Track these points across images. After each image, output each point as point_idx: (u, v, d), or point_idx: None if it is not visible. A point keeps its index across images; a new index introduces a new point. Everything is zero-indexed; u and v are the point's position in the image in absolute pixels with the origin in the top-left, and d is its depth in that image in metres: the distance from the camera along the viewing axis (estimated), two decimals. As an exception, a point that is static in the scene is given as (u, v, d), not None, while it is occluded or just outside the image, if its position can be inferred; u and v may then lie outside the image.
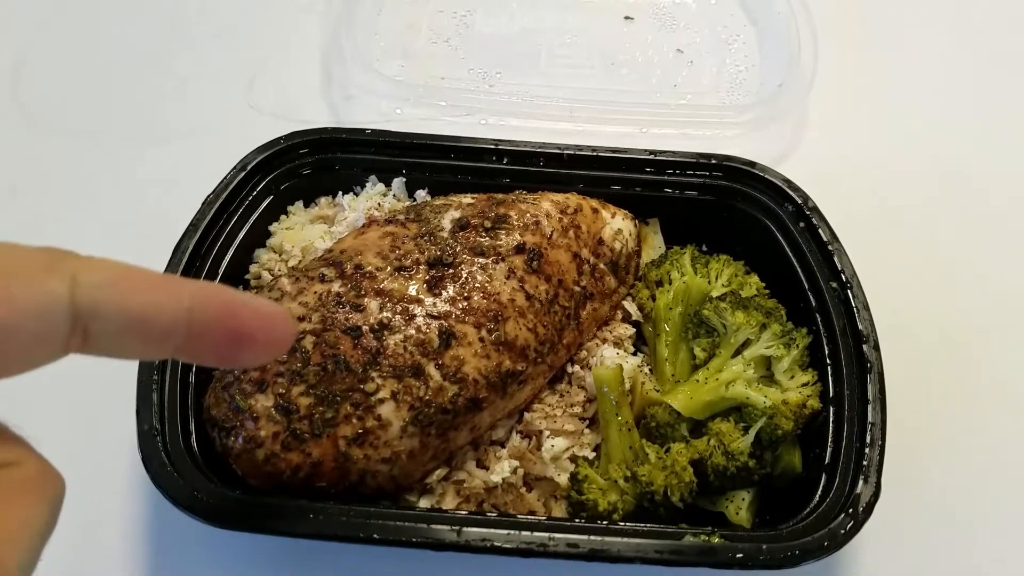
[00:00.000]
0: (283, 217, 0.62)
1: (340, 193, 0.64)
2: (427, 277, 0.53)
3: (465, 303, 0.53)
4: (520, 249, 0.55)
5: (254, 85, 0.80)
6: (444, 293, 0.53)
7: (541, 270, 0.56)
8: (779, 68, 0.79)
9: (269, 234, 0.61)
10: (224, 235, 0.58)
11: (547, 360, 0.55)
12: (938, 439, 0.61)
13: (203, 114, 0.78)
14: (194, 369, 0.53)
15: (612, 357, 0.56)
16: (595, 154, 0.64)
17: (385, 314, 0.51)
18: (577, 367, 0.57)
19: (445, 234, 0.56)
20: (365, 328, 0.51)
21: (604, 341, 0.59)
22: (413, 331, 0.51)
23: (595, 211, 0.60)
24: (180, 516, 0.46)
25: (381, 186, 0.64)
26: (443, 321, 0.52)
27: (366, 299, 0.52)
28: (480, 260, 0.54)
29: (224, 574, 0.53)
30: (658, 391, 0.55)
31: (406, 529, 0.45)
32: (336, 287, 0.52)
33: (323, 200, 0.64)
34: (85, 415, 0.59)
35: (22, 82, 0.80)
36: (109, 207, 0.72)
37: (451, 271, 0.54)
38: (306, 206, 0.64)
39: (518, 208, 0.58)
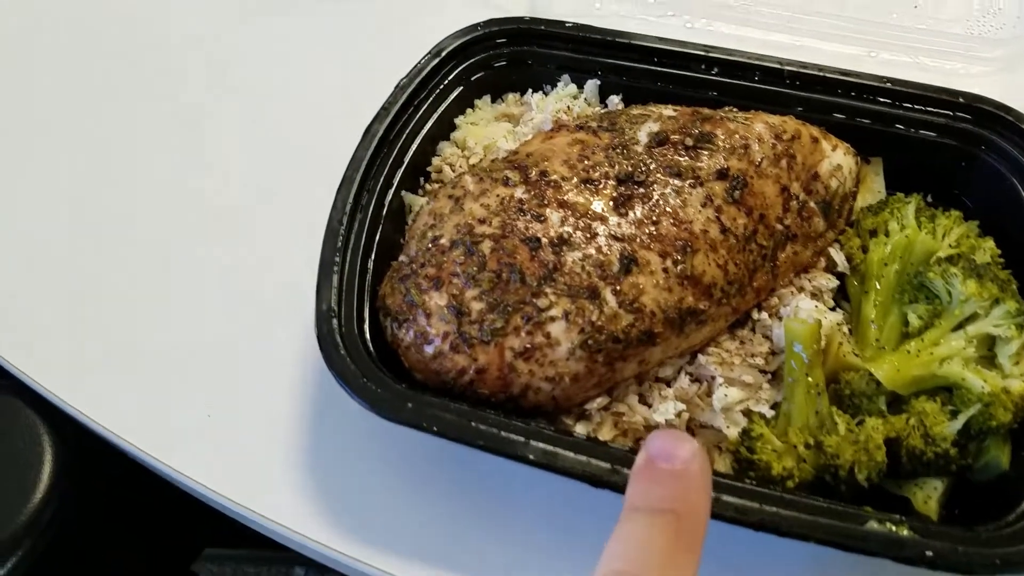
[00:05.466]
0: (469, 111, 0.60)
1: (529, 91, 0.61)
2: (615, 194, 0.49)
3: (653, 228, 0.48)
4: (723, 175, 0.50)
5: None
6: (631, 214, 0.49)
7: (742, 201, 0.50)
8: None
9: (454, 127, 0.59)
10: (413, 123, 0.57)
11: (732, 302, 0.50)
12: None
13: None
14: (373, 256, 0.53)
15: (809, 310, 0.50)
16: (821, 74, 0.55)
17: (566, 228, 0.48)
18: (765, 314, 0.52)
19: (640, 148, 0.51)
20: (544, 240, 0.48)
21: (801, 290, 0.53)
22: (593, 251, 0.48)
23: (815, 141, 0.53)
24: (344, 398, 0.47)
25: (573, 87, 0.60)
26: (626, 244, 0.48)
27: (548, 209, 0.49)
28: (675, 182, 0.49)
29: (375, 461, 0.54)
30: (857, 356, 0.49)
31: (565, 458, 0.43)
32: (519, 192, 0.50)
33: (511, 97, 0.61)
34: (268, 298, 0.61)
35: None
36: (304, 84, 0.72)
37: (641, 190, 0.49)
38: (493, 101, 0.61)
39: (726, 127, 0.52)
